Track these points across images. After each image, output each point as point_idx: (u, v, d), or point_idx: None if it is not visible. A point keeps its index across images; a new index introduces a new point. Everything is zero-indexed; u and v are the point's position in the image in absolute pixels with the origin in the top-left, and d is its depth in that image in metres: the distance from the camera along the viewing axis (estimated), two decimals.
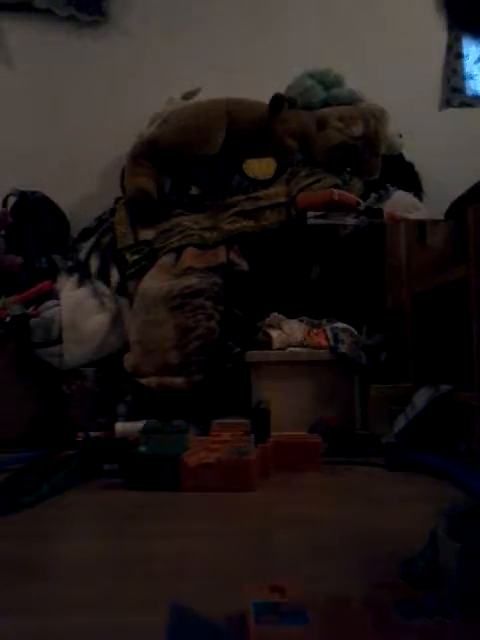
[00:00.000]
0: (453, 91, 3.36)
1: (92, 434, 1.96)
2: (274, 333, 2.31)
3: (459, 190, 2.65)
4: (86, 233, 2.82)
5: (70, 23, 3.24)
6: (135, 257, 2.59)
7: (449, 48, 3.36)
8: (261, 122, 2.78)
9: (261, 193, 2.65)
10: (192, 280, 2.40)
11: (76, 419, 2.30)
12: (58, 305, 2.50)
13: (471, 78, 3.39)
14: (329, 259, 2.53)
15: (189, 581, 0.90)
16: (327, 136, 2.77)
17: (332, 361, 2.26)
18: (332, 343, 2.26)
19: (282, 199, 2.62)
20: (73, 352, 2.42)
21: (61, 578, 0.88)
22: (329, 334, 2.29)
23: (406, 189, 2.90)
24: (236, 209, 2.61)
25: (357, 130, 2.79)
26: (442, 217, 2.65)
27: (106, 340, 2.48)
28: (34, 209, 2.91)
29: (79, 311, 2.49)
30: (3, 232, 2.77)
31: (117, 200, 2.88)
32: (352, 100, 2.94)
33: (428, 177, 3.10)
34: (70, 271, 2.67)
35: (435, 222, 2.50)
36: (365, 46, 3.22)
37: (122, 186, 2.87)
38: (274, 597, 0.69)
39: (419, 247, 2.38)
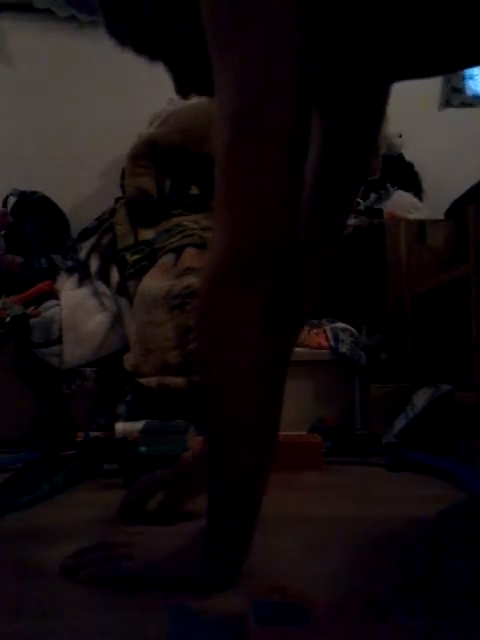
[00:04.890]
0: (453, 91, 3.36)
1: (92, 434, 1.97)
2: None
3: (459, 190, 2.65)
4: (86, 233, 2.82)
5: (70, 23, 3.24)
6: (135, 257, 2.59)
7: None
8: None
9: None
10: (192, 280, 2.40)
11: (76, 419, 2.30)
12: (58, 305, 2.50)
13: (471, 78, 3.39)
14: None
15: None
16: None
17: (332, 361, 2.26)
18: (332, 343, 2.26)
19: None
20: (73, 352, 2.42)
21: (61, 578, 0.87)
22: (329, 334, 2.29)
23: (406, 189, 2.90)
24: None
25: None
26: (442, 217, 2.65)
27: (106, 340, 2.48)
28: (34, 209, 2.92)
29: (79, 311, 2.49)
30: (3, 232, 2.78)
31: (117, 200, 2.88)
32: None
33: (428, 177, 3.11)
34: (70, 271, 2.68)
35: (435, 222, 2.51)
36: None
37: (122, 186, 2.87)
38: (274, 597, 0.69)
39: (419, 247, 2.38)
